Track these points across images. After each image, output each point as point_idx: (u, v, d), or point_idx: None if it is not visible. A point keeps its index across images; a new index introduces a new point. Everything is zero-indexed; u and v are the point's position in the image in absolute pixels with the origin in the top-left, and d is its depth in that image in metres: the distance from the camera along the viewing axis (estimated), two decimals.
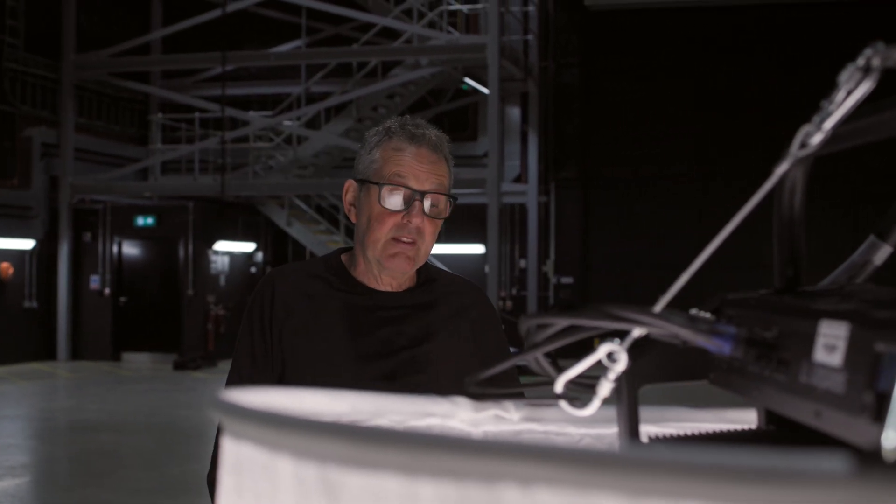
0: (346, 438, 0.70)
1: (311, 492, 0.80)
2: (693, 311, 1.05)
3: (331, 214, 22.67)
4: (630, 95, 22.40)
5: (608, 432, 1.31)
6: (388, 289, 2.59)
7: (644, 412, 1.30)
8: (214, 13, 20.61)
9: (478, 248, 22.32)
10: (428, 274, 2.65)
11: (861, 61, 0.89)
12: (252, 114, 21.84)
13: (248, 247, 23.55)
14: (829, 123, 0.92)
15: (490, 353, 2.66)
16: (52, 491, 9.83)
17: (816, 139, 0.94)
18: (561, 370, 1.16)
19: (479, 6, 20.81)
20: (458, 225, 23.01)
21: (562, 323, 1.08)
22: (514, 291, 22.55)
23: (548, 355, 1.15)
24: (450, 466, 0.65)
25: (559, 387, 1.16)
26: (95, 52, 21.17)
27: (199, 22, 20.81)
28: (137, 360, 21.33)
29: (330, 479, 0.77)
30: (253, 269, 23.74)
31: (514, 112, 22.66)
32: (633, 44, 22.46)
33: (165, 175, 23.06)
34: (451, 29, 20.69)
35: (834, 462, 0.54)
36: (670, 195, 22.15)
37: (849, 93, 0.90)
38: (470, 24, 21.59)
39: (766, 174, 0.98)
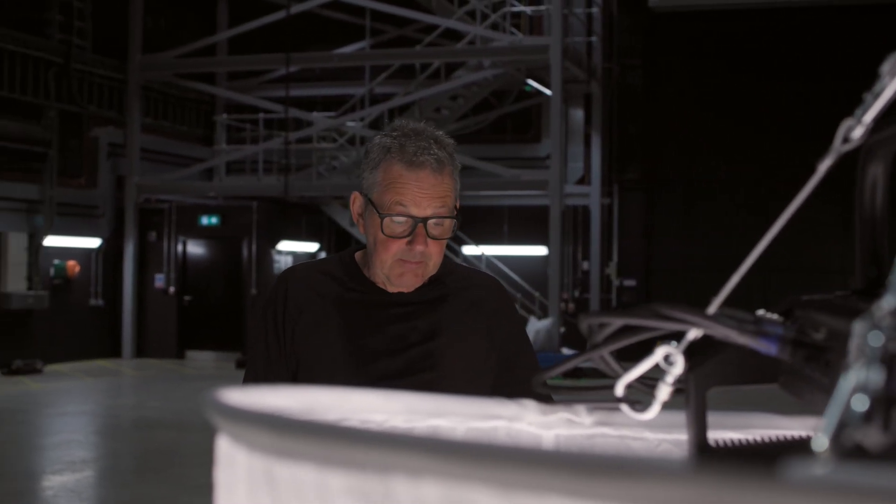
0: (271, 429, 0.73)
1: (259, 483, 0.82)
2: (760, 312, 1.03)
3: None
4: (694, 97, 22.24)
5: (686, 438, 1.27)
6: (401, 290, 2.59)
7: (730, 418, 1.28)
8: (279, 15, 20.74)
9: (540, 250, 22.24)
10: (442, 269, 2.61)
11: None
12: (316, 114, 21.94)
13: (311, 247, 23.67)
14: (869, 116, 0.90)
15: (505, 347, 2.64)
16: (112, 486, 9.93)
17: (858, 132, 0.92)
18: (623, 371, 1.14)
19: (542, 8, 20.75)
20: (520, 227, 22.99)
21: (617, 322, 1.09)
22: (576, 294, 22.46)
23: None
24: (350, 457, 0.68)
25: (620, 390, 1.14)
26: (162, 54, 21.40)
27: (264, 23, 20.97)
28: (201, 359, 21.51)
29: (271, 470, 0.79)
30: None
31: (578, 114, 22.57)
32: (697, 45, 22.29)
33: (230, 175, 23.24)
34: (514, 30, 20.66)
35: (675, 461, 0.56)
36: (734, 197, 21.96)
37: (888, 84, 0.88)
38: (533, 25, 21.55)
39: (832, 174, 0.96)
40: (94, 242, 20.73)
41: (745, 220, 21.36)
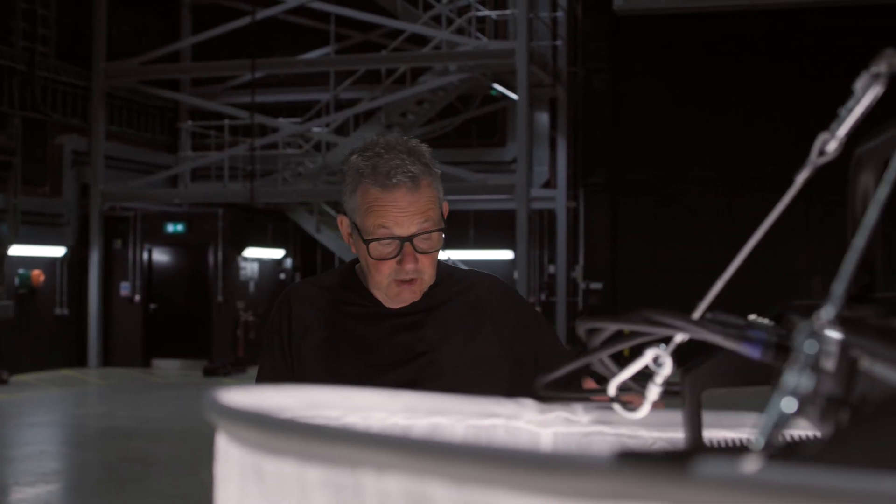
0: (257, 427, 0.81)
1: (249, 476, 0.87)
2: (752, 317, 1.07)
3: None
4: (660, 101, 22.32)
5: (682, 436, 1.30)
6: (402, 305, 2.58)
7: (725, 417, 1.32)
8: (243, 21, 20.70)
9: (507, 254, 22.27)
10: (439, 275, 2.59)
11: (874, 68, 0.91)
12: (281, 120, 21.90)
13: (277, 253, 23.61)
14: (842, 130, 0.95)
15: (522, 339, 2.62)
16: (83, 497, 9.87)
17: (832, 146, 0.96)
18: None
19: (507, 12, 20.79)
20: (486, 231, 23.01)
21: (611, 327, 1.14)
22: (543, 297, 22.50)
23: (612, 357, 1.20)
24: (324, 453, 0.74)
25: (612, 390, 1.18)
26: (126, 61, 21.29)
27: (229, 30, 20.92)
28: (167, 367, 21.41)
29: (259, 464, 0.85)
30: (282, 276, 23.80)
31: (543, 118, 22.61)
32: (662, 50, 22.38)
33: (195, 182, 23.15)
34: (479, 35, 20.68)
35: (600, 457, 0.60)
36: (699, 201, 22.07)
37: (860, 99, 0.92)
38: (498, 29, 21.57)
39: (795, 181, 1.00)
40: (58, 251, 20.58)
41: (709, 224, 21.48)
